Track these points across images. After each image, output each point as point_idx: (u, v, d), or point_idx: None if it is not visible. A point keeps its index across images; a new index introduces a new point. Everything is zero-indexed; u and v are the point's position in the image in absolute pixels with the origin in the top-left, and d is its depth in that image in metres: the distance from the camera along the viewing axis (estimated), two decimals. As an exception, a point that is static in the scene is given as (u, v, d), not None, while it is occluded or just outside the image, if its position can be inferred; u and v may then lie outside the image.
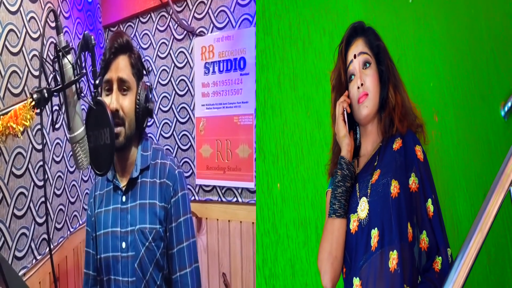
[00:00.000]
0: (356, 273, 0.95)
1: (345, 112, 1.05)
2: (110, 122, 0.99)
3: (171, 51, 2.24)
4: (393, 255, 0.89)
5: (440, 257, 0.90)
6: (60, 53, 0.90)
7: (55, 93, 0.89)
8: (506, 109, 1.25)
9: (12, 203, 1.39)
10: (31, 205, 1.51)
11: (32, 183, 1.52)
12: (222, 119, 2.04)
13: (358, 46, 1.06)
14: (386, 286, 0.88)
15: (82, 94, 0.95)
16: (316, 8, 1.52)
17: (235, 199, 2.01)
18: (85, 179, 2.10)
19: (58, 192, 1.77)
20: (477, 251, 0.79)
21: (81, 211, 2.01)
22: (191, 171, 2.18)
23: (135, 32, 2.38)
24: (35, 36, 1.57)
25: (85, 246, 1.35)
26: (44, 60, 0.94)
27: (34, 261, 1.51)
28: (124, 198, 1.25)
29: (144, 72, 1.30)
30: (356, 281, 0.95)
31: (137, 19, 2.37)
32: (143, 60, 1.32)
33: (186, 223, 1.26)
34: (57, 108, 1.58)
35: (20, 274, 1.41)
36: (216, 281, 2.06)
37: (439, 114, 1.33)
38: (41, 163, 1.56)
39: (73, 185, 1.94)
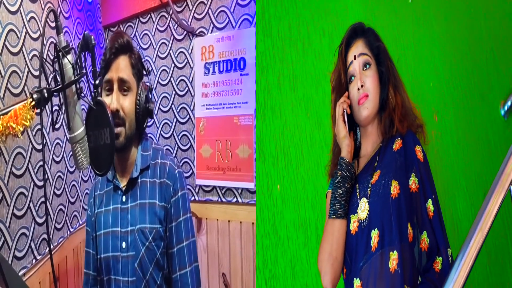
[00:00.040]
0: (357, 274, 0.95)
1: (345, 113, 1.05)
2: (110, 122, 0.99)
3: (171, 51, 2.24)
4: (393, 256, 0.89)
5: (440, 257, 0.90)
6: (60, 53, 0.90)
7: (55, 93, 0.89)
8: (506, 108, 1.25)
9: (12, 203, 1.39)
10: (31, 205, 1.51)
11: (32, 183, 1.52)
12: (222, 120, 2.04)
13: (358, 47, 1.06)
14: (386, 286, 0.88)
15: (82, 94, 0.95)
16: (316, 9, 1.52)
17: (235, 200, 2.01)
18: (85, 179, 2.10)
19: (58, 192, 1.77)
20: (477, 251, 0.79)
21: (81, 211, 2.01)
22: (191, 171, 2.18)
23: (135, 32, 2.38)
24: (35, 36, 1.57)
25: (85, 246, 1.35)
26: (44, 60, 0.94)
27: (34, 261, 1.51)
28: (124, 198, 1.25)
29: (144, 73, 1.30)
30: (357, 282, 0.95)
31: (137, 19, 2.38)
32: (143, 60, 1.32)
33: (186, 223, 1.26)
34: (57, 108, 1.58)
35: (20, 274, 1.41)
36: (216, 281, 2.06)
37: (438, 114, 1.33)
38: (41, 163, 1.56)
39: (73, 185, 1.94)
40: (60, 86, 0.90)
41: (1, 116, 0.79)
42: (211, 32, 2.08)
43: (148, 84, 1.32)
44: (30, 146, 1.51)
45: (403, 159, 0.97)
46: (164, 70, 2.27)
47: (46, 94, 0.85)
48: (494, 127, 1.27)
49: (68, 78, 0.91)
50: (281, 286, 1.49)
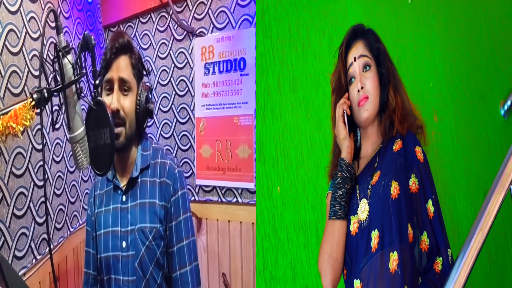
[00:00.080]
0: (357, 275, 0.95)
1: (345, 114, 1.05)
2: (110, 122, 0.99)
3: (171, 52, 2.24)
4: (394, 256, 0.89)
5: (440, 258, 0.90)
6: (60, 53, 0.90)
7: (55, 93, 0.89)
8: (505, 108, 1.25)
9: (12, 203, 1.39)
10: (31, 205, 1.51)
11: (32, 183, 1.52)
12: (222, 120, 2.04)
13: (358, 49, 1.06)
14: (386, 287, 0.88)
15: (82, 94, 0.95)
16: (315, 10, 1.52)
17: (235, 200, 2.01)
18: (85, 179, 2.10)
19: (58, 192, 1.77)
20: (477, 251, 0.79)
21: (81, 211, 2.01)
22: (191, 171, 2.18)
23: (135, 33, 2.39)
24: (35, 36, 1.57)
25: (85, 245, 1.35)
26: (44, 60, 0.94)
27: (34, 261, 1.51)
28: (124, 198, 1.25)
29: (144, 73, 1.30)
30: (357, 283, 0.95)
31: (137, 20, 2.38)
32: (143, 60, 1.32)
33: (186, 222, 1.27)
34: (57, 108, 1.58)
35: (20, 273, 1.41)
36: (216, 281, 2.06)
37: (438, 114, 1.33)
38: (41, 163, 1.56)
39: (73, 185, 1.94)
40: (60, 86, 0.90)
41: (1, 116, 0.79)
42: (211, 32, 2.08)
43: (148, 84, 1.32)
44: (30, 146, 1.51)
45: (403, 160, 0.97)
46: (164, 70, 2.27)
47: (46, 94, 0.85)
48: (494, 127, 1.27)
49: (68, 78, 0.91)
50: (282, 288, 1.49)
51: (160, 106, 2.30)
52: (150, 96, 1.29)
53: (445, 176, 1.29)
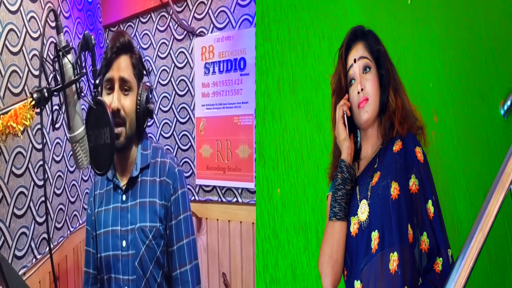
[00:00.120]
0: (357, 276, 0.95)
1: (345, 116, 1.05)
2: (110, 121, 0.98)
3: (171, 51, 2.24)
4: (394, 257, 0.89)
5: (440, 258, 0.90)
6: (60, 53, 0.90)
7: (55, 93, 0.89)
8: (505, 107, 1.25)
9: (12, 202, 1.39)
10: (31, 204, 1.51)
11: (32, 183, 1.52)
12: (222, 119, 2.04)
13: (358, 51, 1.06)
14: None
15: (82, 94, 0.95)
16: (315, 12, 1.51)
17: (235, 199, 2.01)
18: (85, 178, 2.10)
19: (58, 192, 1.77)
20: (478, 251, 0.79)
21: (81, 210, 2.01)
22: (191, 171, 2.18)
23: (135, 32, 2.38)
24: (35, 35, 1.57)
25: (85, 245, 1.35)
26: (44, 60, 0.93)
27: (34, 260, 1.51)
28: (124, 197, 1.25)
29: (145, 73, 1.31)
30: (357, 284, 0.95)
31: (137, 19, 2.38)
32: (143, 60, 1.32)
33: (186, 221, 1.27)
34: (57, 107, 1.58)
35: (20, 273, 1.41)
36: (216, 281, 2.06)
37: (438, 114, 1.33)
38: (41, 162, 1.56)
39: (73, 184, 1.94)
40: (60, 85, 0.90)
41: (1, 116, 0.79)
42: (211, 32, 2.08)
43: (148, 84, 1.32)
44: (30, 145, 1.51)
45: (403, 160, 0.97)
46: (164, 70, 2.27)
47: (46, 94, 0.85)
48: (494, 126, 1.27)
49: (68, 78, 0.91)
50: (282, 290, 1.49)
51: (160, 106, 2.30)
52: (150, 96, 1.29)
53: (445, 176, 1.29)
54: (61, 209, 1.78)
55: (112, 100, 1.20)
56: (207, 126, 2.10)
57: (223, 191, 2.06)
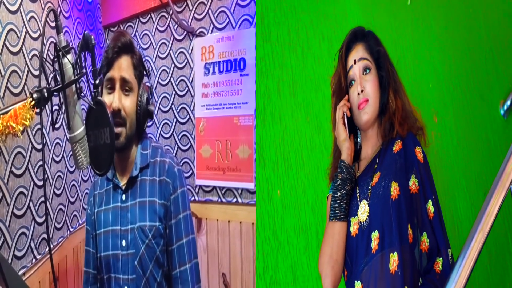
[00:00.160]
0: (357, 276, 0.95)
1: (345, 116, 1.05)
2: (110, 122, 0.98)
3: (171, 52, 2.24)
4: (394, 257, 0.89)
5: (440, 258, 0.90)
6: (60, 53, 0.90)
7: (55, 93, 0.89)
8: (505, 107, 1.25)
9: (12, 202, 1.39)
10: (31, 204, 1.51)
11: (32, 183, 1.52)
12: (222, 120, 2.04)
13: (358, 52, 1.06)
14: (387, 288, 0.88)
15: (82, 94, 0.95)
16: (315, 14, 1.51)
17: (235, 200, 2.01)
18: (85, 179, 2.10)
19: (58, 192, 1.77)
20: (478, 251, 0.79)
21: (80, 211, 2.01)
22: (191, 171, 2.18)
23: (135, 32, 2.39)
24: (35, 35, 1.57)
25: (85, 244, 1.35)
26: (44, 60, 0.93)
27: (33, 260, 1.51)
28: (124, 197, 1.25)
29: (145, 73, 1.31)
30: (358, 284, 0.95)
31: (137, 19, 2.38)
32: (143, 61, 1.32)
33: (186, 220, 1.27)
34: (57, 107, 1.58)
35: (19, 273, 1.41)
36: (216, 281, 2.05)
37: (438, 114, 1.33)
38: (41, 162, 1.56)
39: (73, 185, 1.94)
40: (60, 85, 0.90)
41: (1, 116, 0.79)
42: (211, 33, 2.08)
43: (148, 84, 1.32)
44: (30, 145, 1.51)
45: (403, 161, 0.97)
46: (164, 70, 2.27)
47: (46, 94, 0.85)
48: (494, 126, 1.27)
49: (68, 78, 0.91)
50: (282, 292, 1.49)
51: (160, 106, 2.30)
52: (151, 97, 1.30)
53: (445, 176, 1.29)
54: (61, 209, 1.78)
55: (113, 100, 1.20)
56: (207, 126, 2.10)
57: (223, 192, 2.06)
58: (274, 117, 1.55)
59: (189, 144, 2.20)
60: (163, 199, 1.24)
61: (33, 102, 0.83)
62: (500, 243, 1.22)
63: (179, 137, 2.23)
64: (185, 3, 2.17)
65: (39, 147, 1.56)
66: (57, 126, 1.78)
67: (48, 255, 1.32)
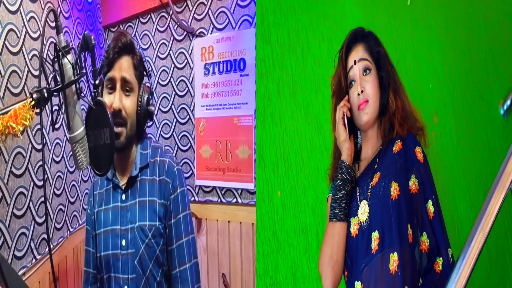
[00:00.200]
0: (358, 276, 0.95)
1: (345, 117, 1.05)
2: (110, 122, 0.98)
3: (171, 52, 2.24)
4: (394, 257, 0.89)
5: (441, 258, 0.90)
6: (60, 53, 0.90)
7: (55, 93, 0.89)
8: (505, 107, 1.25)
9: (12, 202, 1.39)
10: (31, 205, 1.50)
11: (32, 183, 1.52)
12: (222, 120, 2.04)
13: (358, 52, 1.06)
14: (387, 288, 0.88)
15: (82, 94, 0.95)
16: (315, 14, 1.51)
17: (234, 200, 2.01)
18: (85, 179, 2.09)
19: (58, 192, 1.77)
20: (478, 251, 0.79)
21: (80, 211, 2.01)
22: (190, 171, 2.18)
23: (135, 33, 2.39)
24: (35, 36, 1.57)
25: (85, 244, 1.35)
26: (44, 60, 0.94)
27: (33, 260, 1.51)
28: (123, 196, 1.25)
29: (145, 74, 1.31)
30: (358, 285, 0.95)
31: (137, 20, 2.38)
32: (144, 61, 1.32)
33: (185, 220, 1.27)
34: (57, 108, 1.58)
35: (19, 273, 1.41)
36: (216, 282, 2.05)
37: (438, 115, 1.33)
38: (40, 163, 1.56)
39: (73, 185, 1.93)
40: (60, 86, 0.90)
41: (1, 116, 0.79)
42: (211, 33, 2.08)
43: (148, 84, 1.32)
44: (30, 146, 1.51)
45: (403, 161, 0.97)
46: (164, 70, 2.27)
47: (46, 94, 0.85)
48: (493, 126, 1.27)
49: (68, 78, 0.91)
50: (283, 293, 1.48)
51: (160, 107, 2.30)
52: (151, 98, 1.30)
53: (445, 177, 1.29)
54: (60, 209, 1.78)
55: (114, 100, 1.20)
56: (207, 126, 2.10)
57: (222, 192, 2.06)
58: (274, 118, 1.55)
59: (189, 145, 2.20)
60: (162, 199, 1.24)
61: (33, 102, 0.83)
62: (500, 243, 1.22)
63: (179, 138, 2.23)
64: (185, 4, 2.17)
65: (39, 147, 1.56)
66: (57, 126, 1.78)
67: (48, 255, 1.32)
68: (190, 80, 2.17)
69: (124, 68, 1.22)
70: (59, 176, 1.78)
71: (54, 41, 0.91)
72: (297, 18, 1.54)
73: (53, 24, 0.93)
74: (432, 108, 1.33)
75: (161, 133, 2.30)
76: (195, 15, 2.13)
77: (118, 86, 1.21)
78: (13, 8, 1.42)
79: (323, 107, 1.46)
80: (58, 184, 1.77)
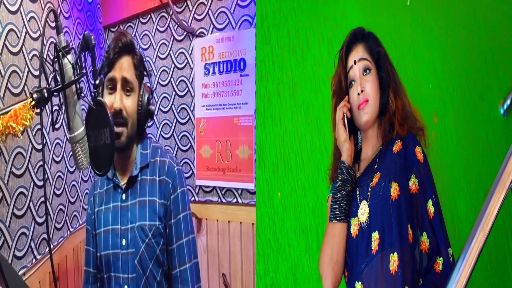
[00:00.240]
0: (358, 277, 0.95)
1: (345, 117, 1.05)
2: (110, 122, 0.98)
3: (171, 52, 2.24)
4: (394, 258, 0.89)
5: (441, 258, 0.90)
6: (60, 53, 0.90)
7: (55, 93, 0.89)
8: (505, 107, 1.25)
9: (12, 202, 1.39)
10: (31, 205, 1.51)
11: (32, 183, 1.52)
12: (222, 120, 2.04)
13: (358, 52, 1.06)
14: (387, 288, 0.88)
15: (82, 94, 0.95)
16: (314, 15, 1.51)
17: (235, 200, 2.01)
18: (85, 179, 2.10)
19: (58, 192, 1.77)
20: (479, 251, 0.79)
21: (81, 211, 2.01)
22: (191, 171, 2.18)
23: (135, 33, 2.39)
24: (35, 36, 1.57)
25: (85, 244, 1.35)
26: (44, 60, 0.93)
27: (34, 260, 1.51)
28: (124, 196, 1.25)
29: (145, 74, 1.31)
30: (358, 285, 0.95)
31: (137, 20, 2.38)
32: (144, 61, 1.32)
33: (186, 220, 1.27)
34: (57, 108, 1.58)
35: (20, 273, 1.41)
36: (216, 282, 2.05)
37: (438, 115, 1.33)
38: (41, 163, 1.56)
39: (73, 185, 1.94)
40: (60, 86, 0.90)
41: (1, 116, 0.79)
42: (211, 33, 2.08)
43: (148, 84, 1.32)
44: (30, 146, 1.51)
45: (403, 161, 0.97)
46: (164, 70, 2.27)
47: (46, 94, 0.85)
48: (493, 126, 1.27)
49: (68, 78, 0.91)
50: (283, 294, 1.48)
51: (160, 107, 2.30)
52: (151, 98, 1.30)
53: (445, 177, 1.29)
54: (61, 209, 1.78)
55: (115, 100, 1.20)
56: (207, 126, 2.10)
57: (223, 192, 2.06)
58: (274, 119, 1.55)
59: (189, 145, 2.20)
60: (163, 199, 1.24)
61: (33, 102, 0.83)
62: (501, 243, 1.22)
63: (179, 138, 2.23)
64: (185, 4, 2.17)
65: (39, 147, 1.56)
66: (57, 126, 1.78)
67: (48, 255, 1.33)
68: (190, 80, 2.17)
69: (124, 68, 1.22)
70: (59, 176, 1.78)
71: (54, 41, 0.91)
72: (297, 19, 1.54)
73: (53, 24, 0.93)
74: (432, 108, 1.33)
75: (161, 133, 2.30)
76: (195, 15, 2.13)
77: (118, 86, 1.22)
78: (13, 8, 1.43)
79: (323, 107, 1.46)
80: (58, 184, 1.77)
